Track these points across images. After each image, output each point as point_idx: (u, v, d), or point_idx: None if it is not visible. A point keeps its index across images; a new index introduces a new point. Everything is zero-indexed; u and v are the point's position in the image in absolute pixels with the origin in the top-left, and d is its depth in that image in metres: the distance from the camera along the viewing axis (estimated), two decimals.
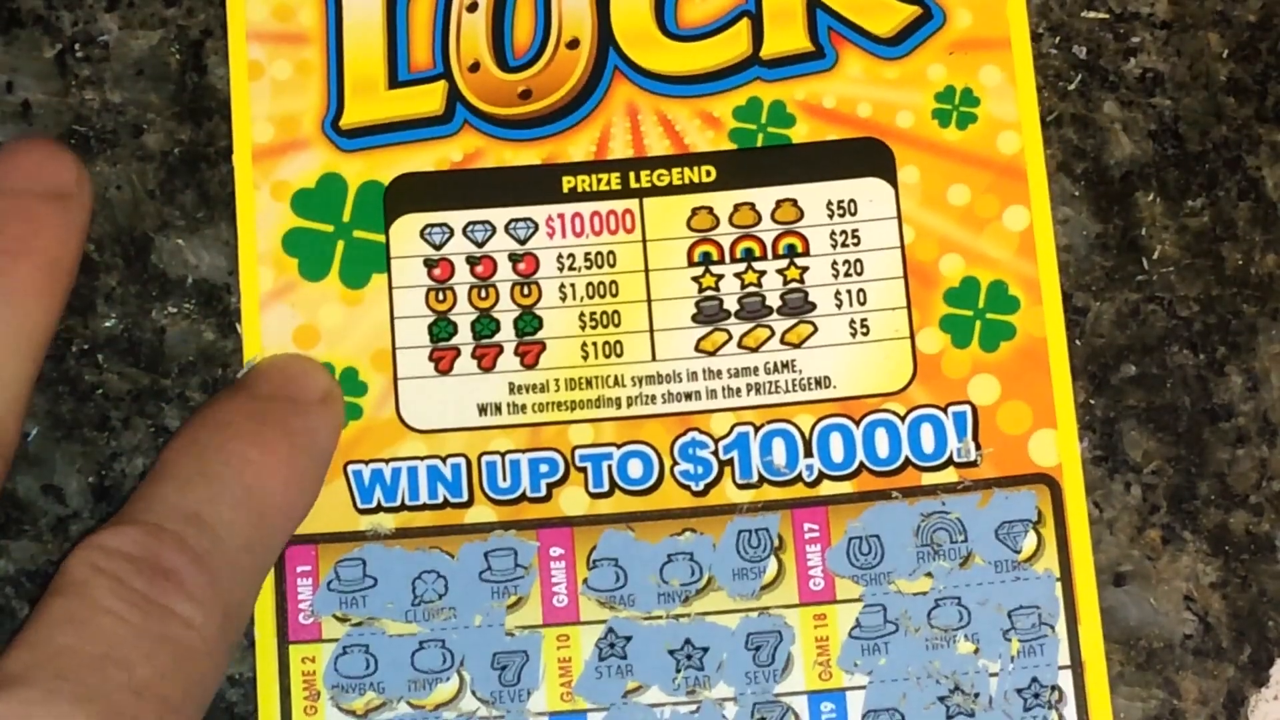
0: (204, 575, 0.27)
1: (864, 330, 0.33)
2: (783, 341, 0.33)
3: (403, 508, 0.32)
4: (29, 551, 0.32)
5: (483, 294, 0.33)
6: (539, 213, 0.33)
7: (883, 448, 0.32)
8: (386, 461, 0.32)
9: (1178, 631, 0.32)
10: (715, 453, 0.32)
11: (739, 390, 0.33)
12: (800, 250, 0.33)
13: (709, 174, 0.33)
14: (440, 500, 0.32)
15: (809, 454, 0.32)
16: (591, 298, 0.33)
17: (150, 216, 0.33)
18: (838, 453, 0.32)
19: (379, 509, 0.32)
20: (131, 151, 0.34)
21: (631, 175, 0.33)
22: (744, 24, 0.34)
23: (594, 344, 0.33)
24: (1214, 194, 0.34)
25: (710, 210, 0.33)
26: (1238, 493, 0.33)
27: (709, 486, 0.32)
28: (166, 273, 0.33)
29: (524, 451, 0.32)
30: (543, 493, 0.32)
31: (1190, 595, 0.32)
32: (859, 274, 0.33)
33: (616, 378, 0.33)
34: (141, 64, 0.34)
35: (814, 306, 0.33)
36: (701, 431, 0.32)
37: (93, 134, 0.34)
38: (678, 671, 0.32)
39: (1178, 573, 0.32)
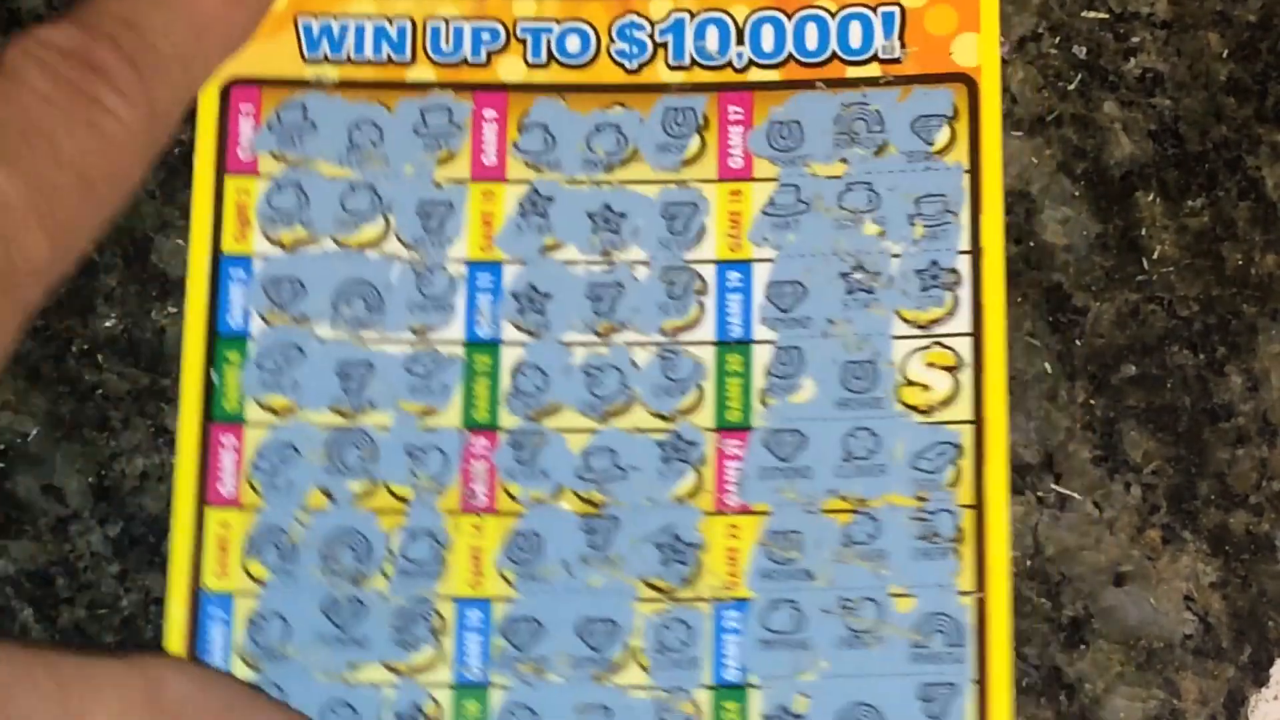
0: (133, 74, 0.29)
1: None
2: None
3: (347, 61, 0.33)
4: (29, 551, 0.32)
5: None
6: None
7: (811, 40, 0.33)
8: (335, 16, 0.33)
9: (1178, 631, 0.32)
10: (651, 34, 0.34)
11: None
12: None
13: None
14: (384, 57, 0.34)
15: (740, 41, 0.34)
16: None
17: (150, 216, 0.33)
18: (768, 42, 0.34)
19: (324, 60, 0.33)
20: None
21: None
22: None
23: None
24: (1214, 194, 0.34)
25: None
26: (1238, 493, 0.33)
27: (642, 65, 0.34)
28: (166, 273, 0.33)
29: (468, 19, 0.34)
30: (482, 59, 0.34)
31: (1190, 595, 0.32)
32: None
33: None
34: None
35: None
36: (640, 14, 0.34)
37: None
38: (595, 233, 0.33)
39: (1178, 573, 0.32)
